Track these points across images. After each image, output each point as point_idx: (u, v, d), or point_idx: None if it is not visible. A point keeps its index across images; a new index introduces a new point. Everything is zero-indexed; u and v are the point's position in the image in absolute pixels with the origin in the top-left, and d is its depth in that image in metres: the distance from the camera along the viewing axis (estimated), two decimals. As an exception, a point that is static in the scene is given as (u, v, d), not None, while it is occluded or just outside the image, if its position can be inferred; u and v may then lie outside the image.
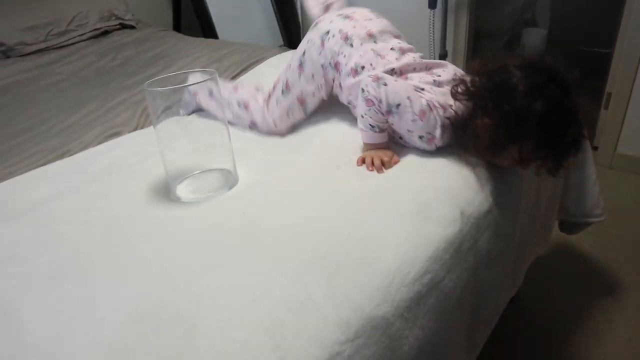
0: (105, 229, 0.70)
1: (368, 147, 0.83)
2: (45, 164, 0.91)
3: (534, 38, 2.89)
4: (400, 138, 0.84)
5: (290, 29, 2.48)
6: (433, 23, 1.99)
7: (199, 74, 0.76)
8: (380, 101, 0.78)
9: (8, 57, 1.51)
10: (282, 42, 2.48)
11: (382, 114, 0.79)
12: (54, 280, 0.60)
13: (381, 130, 0.81)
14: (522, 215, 0.90)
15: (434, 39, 2.06)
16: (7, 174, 0.88)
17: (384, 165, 0.78)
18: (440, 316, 0.65)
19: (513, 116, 0.71)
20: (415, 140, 0.80)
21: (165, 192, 0.78)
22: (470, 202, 0.75)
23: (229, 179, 0.78)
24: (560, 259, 1.39)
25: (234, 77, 1.24)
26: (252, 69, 1.26)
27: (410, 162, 0.81)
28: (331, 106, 0.98)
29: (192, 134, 0.76)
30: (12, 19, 1.53)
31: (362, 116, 0.81)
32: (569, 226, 1.22)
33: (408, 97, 0.76)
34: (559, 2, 2.66)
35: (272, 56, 1.31)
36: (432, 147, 0.80)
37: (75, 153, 0.94)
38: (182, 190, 0.77)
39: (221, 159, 0.79)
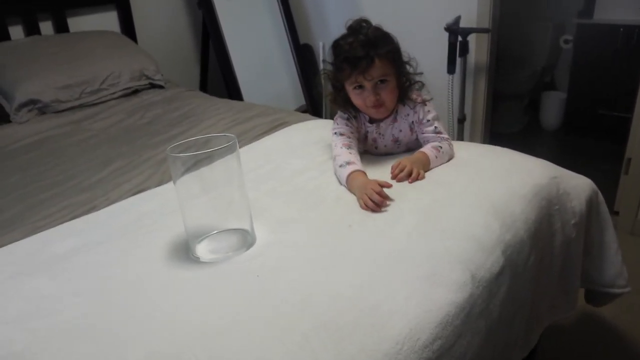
0: (125, 286, 0.72)
1: (352, 185, 0.95)
2: (72, 218, 0.95)
3: (553, 101, 2.93)
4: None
5: (313, 91, 2.56)
6: (452, 88, 2.05)
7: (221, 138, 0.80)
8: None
9: (43, 113, 1.60)
10: (303, 102, 2.56)
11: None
12: (73, 337, 0.62)
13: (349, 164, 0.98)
14: (536, 276, 0.90)
15: (452, 104, 2.10)
16: (36, 228, 0.92)
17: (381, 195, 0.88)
18: (450, 383, 0.65)
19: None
20: None
21: (184, 250, 0.80)
22: (481, 266, 0.76)
23: (247, 239, 0.81)
24: (580, 326, 1.36)
25: (255, 138, 1.29)
26: (274, 132, 1.31)
27: (421, 221, 0.82)
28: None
29: (211, 190, 0.78)
30: (49, 78, 1.62)
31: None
32: (594, 297, 1.19)
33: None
34: (579, 66, 2.71)
35: (295, 121, 1.37)
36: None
37: (101, 208, 0.98)
38: (202, 249, 0.79)
39: (240, 218, 0.81)
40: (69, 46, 1.74)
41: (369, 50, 0.98)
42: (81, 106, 1.64)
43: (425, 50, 2.18)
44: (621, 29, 2.50)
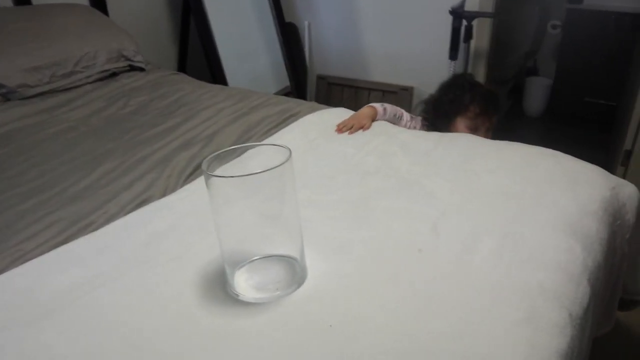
0: (157, 344, 0.57)
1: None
2: (66, 239, 0.78)
3: (538, 87, 2.88)
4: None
5: (297, 70, 2.40)
6: (453, 74, 1.94)
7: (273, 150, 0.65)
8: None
9: (8, 100, 1.38)
10: (287, 84, 2.40)
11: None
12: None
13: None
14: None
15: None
16: (23, 253, 0.75)
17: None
18: None
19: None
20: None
21: (219, 284, 0.66)
22: (574, 301, 0.65)
23: (297, 270, 0.67)
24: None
25: (266, 134, 1.14)
26: (286, 125, 1.16)
27: (501, 246, 0.70)
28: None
29: (255, 205, 0.63)
30: (14, 58, 1.40)
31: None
32: (623, 303, 1.14)
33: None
34: (567, 53, 2.66)
35: (307, 111, 1.22)
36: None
37: (100, 226, 0.82)
38: (242, 285, 0.65)
39: (287, 242, 0.67)
40: (35, 22, 1.51)
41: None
42: (52, 92, 1.42)
43: (426, 35, 2.07)
44: (613, 16, 2.45)
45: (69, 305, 0.63)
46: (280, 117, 1.19)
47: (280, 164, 0.60)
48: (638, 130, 1.83)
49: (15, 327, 0.60)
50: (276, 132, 1.12)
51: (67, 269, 0.71)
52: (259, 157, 0.66)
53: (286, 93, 2.34)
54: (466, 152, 0.98)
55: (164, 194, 0.92)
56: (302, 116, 1.18)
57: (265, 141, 1.09)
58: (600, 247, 0.78)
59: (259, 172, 0.59)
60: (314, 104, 1.28)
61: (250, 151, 0.68)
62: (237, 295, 0.64)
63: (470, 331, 0.57)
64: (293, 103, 1.29)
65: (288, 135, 1.09)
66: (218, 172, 0.62)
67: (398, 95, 2.25)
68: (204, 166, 0.60)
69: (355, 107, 1.25)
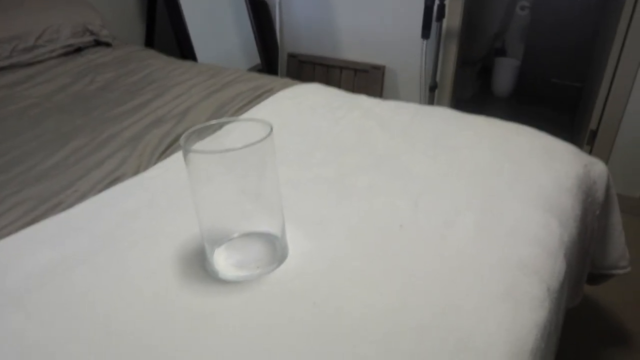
0: (132, 327, 0.55)
1: None
2: (34, 219, 0.75)
3: (506, 68, 2.92)
4: None
5: (268, 48, 2.36)
6: (425, 54, 1.94)
7: (254, 124, 0.63)
8: None
9: (-36, 75, 1.31)
10: (258, 61, 2.36)
11: None
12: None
13: None
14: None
15: (424, 71, 2.00)
16: (-13, 234, 0.71)
17: None
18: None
19: None
20: None
21: (197, 263, 0.64)
22: (552, 275, 0.67)
23: (277, 248, 0.66)
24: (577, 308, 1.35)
25: (240, 110, 1.11)
26: (260, 102, 1.13)
27: (481, 221, 0.71)
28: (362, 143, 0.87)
29: (234, 180, 0.61)
30: (-30, 31, 1.33)
31: None
32: (592, 277, 1.17)
33: None
34: (534, 34, 2.70)
35: (280, 88, 1.19)
36: None
37: (70, 205, 0.78)
38: (222, 263, 0.63)
39: (268, 219, 0.65)
40: (-8, -8, 1.43)
41: None
42: (13, 67, 1.36)
43: (399, 13, 2.06)
44: (579, -2, 2.49)
45: (39, 288, 0.60)
46: (253, 93, 1.16)
47: (262, 139, 0.58)
48: (603, 110, 1.87)
49: (-17, 312, 0.57)
50: (250, 108, 1.10)
51: (37, 250, 0.68)
52: (237, 132, 0.64)
53: (257, 71, 2.30)
54: (444, 126, 0.98)
55: (136, 172, 0.88)
56: (275, 92, 1.16)
57: (241, 117, 1.06)
58: (575, 223, 0.79)
59: (240, 148, 0.57)
60: (288, 80, 1.26)
61: (228, 126, 0.66)
62: (217, 274, 0.63)
63: (454, 306, 0.57)
64: (266, 79, 1.26)
65: (262, 111, 1.07)
66: (196, 147, 0.60)
67: (369, 74, 2.24)
68: (182, 141, 0.58)
69: (326, 82, 1.23)
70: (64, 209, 0.77)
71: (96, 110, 1.14)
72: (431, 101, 2.02)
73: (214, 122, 0.63)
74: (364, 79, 2.25)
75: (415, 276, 0.61)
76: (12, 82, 1.30)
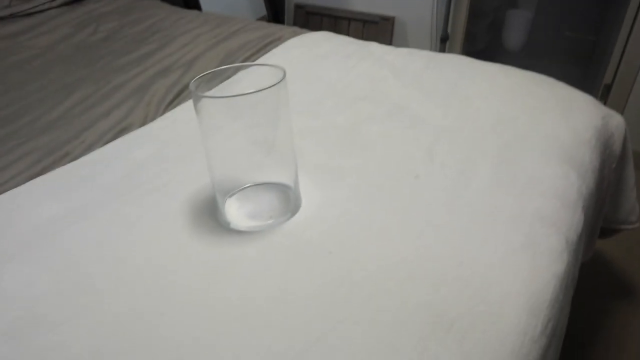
0: (146, 276, 0.54)
1: None
2: (42, 170, 0.73)
3: (519, 20, 2.83)
4: None
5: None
6: (437, 4, 1.87)
7: (266, 69, 0.61)
8: None
9: (-36, 24, 1.27)
10: (265, 13, 2.30)
11: None
12: None
13: None
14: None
15: (436, 22, 1.94)
16: (-5, 184, 0.70)
17: None
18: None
19: None
20: None
21: (209, 214, 0.63)
22: (570, 227, 0.65)
23: (290, 198, 0.64)
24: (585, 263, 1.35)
25: (247, 59, 1.08)
26: (269, 51, 1.10)
27: (498, 172, 0.69)
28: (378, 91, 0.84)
29: (245, 128, 0.58)
30: (-33, -22, 1.28)
31: None
32: (602, 231, 1.16)
33: None
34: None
35: (289, 37, 1.15)
36: None
37: (78, 156, 0.77)
38: (233, 213, 0.62)
39: (280, 168, 0.63)
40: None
41: None
42: (13, 17, 1.32)
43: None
44: (599, -56, 2.38)
45: (48, 239, 0.59)
46: (262, 42, 1.13)
47: (276, 83, 0.56)
48: (619, 64, 1.82)
49: (-7, 263, 0.56)
50: (258, 57, 1.06)
51: (45, 201, 0.67)
52: (249, 79, 0.61)
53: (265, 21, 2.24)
54: (458, 75, 0.95)
55: (144, 122, 0.87)
56: (284, 41, 1.12)
57: (252, 63, 1.03)
58: (593, 175, 0.78)
59: (252, 92, 0.55)
60: (296, 29, 1.21)
61: (240, 73, 0.63)
62: (229, 224, 0.62)
63: (470, 257, 0.56)
64: (275, 28, 1.22)
65: (271, 60, 1.04)
66: (207, 94, 0.58)
67: (379, 25, 2.18)
68: (192, 87, 0.56)
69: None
70: (71, 160, 0.76)
71: (100, 61, 1.11)
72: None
73: (224, 67, 0.60)
74: (373, 31, 2.18)
75: (431, 227, 0.60)
76: (13, 32, 1.26)
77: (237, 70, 0.63)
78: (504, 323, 0.50)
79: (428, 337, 0.47)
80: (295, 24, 2.46)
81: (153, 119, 0.87)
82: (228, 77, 0.61)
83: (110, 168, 0.73)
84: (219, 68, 0.60)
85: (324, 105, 0.86)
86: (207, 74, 0.59)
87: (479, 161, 0.71)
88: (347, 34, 2.27)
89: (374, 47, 1.09)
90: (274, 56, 1.05)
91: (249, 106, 0.57)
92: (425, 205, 0.63)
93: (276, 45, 1.11)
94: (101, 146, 0.79)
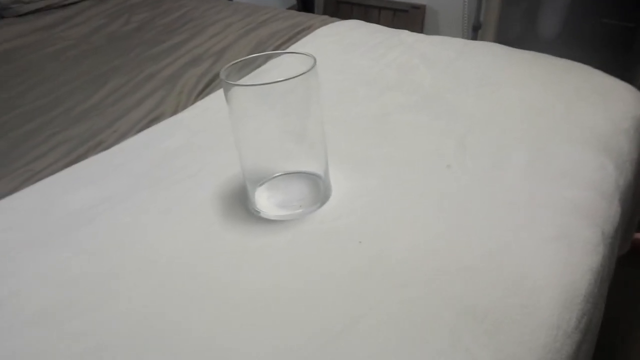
0: (171, 265, 0.55)
1: None
2: (76, 159, 0.75)
3: (554, 7, 2.74)
4: None
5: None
6: (469, -10, 1.84)
7: (296, 57, 0.61)
8: None
9: (2, 17, 1.30)
10: (294, 2, 2.29)
11: None
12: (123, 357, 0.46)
13: None
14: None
15: (467, 9, 1.90)
16: (31, 173, 0.72)
17: None
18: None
19: None
20: None
21: (239, 203, 0.63)
22: (607, 219, 0.63)
23: (320, 188, 0.64)
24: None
25: (277, 48, 1.08)
26: (299, 39, 1.10)
27: (532, 161, 0.67)
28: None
29: (277, 117, 0.58)
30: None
31: None
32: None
33: None
34: (586, -31, 2.51)
35: (320, 25, 1.15)
36: None
37: (111, 145, 0.78)
38: (263, 202, 0.62)
39: (311, 158, 0.63)
40: None
41: None
42: (48, 8, 1.35)
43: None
44: None
45: (84, 225, 0.61)
46: (292, 31, 1.12)
47: (306, 71, 0.56)
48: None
49: (30, 248, 0.58)
50: (289, 46, 1.06)
51: (80, 188, 0.68)
52: (279, 69, 0.62)
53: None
54: (491, 63, 0.93)
55: (175, 111, 0.88)
56: (314, 29, 1.12)
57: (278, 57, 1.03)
58: (631, 167, 0.75)
59: (282, 80, 0.55)
60: (327, 17, 1.21)
61: (270, 62, 0.63)
62: (259, 212, 0.62)
63: (503, 247, 0.55)
64: (304, 17, 1.21)
65: (301, 49, 1.03)
66: (238, 82, 0.58)
67: (409, 14, 2.15)
68: (222, 75, 0.56)
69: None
70: (104, 149, 0.77)
71: (133, 51, 1.13)
72: (474, 42, 1.92)
73: (254, 55, 0.61)
74: (403, 20, 2.16)
75: (463, 217, 0.59)
76: (49, 24, 1.29)
77: (267, 58, 0.63)
78: (536, 316, 0.49)
79: (460, 329, 0.46)
80: (325, 13, 2.45)
81: (184, 108, 0.88)
82: (259, 66, 0.62)
83: (142, 156, 0.74)
84: (249, 56, 0.60)
85: (354, 94, 0.85)
86: (237, 62, 0.59)
87: (512, 151, 0.69)
88: (378, 22, 2.24)
89: (405, 35, 1.07)
90: (304, 45, 1.05)
91: (279, 94, 0.57)
92: (456, 195, 0.62)
93: (306, 34, 1.11)
94: (133, 135, 0.81)
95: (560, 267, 0.54)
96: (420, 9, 2.09)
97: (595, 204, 0.63)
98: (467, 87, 0.85)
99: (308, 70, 0.56)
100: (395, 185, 0.64)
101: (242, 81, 0.59)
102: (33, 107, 0.92)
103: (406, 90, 0.85)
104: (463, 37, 1.98)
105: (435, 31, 2.10)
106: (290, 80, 0.55)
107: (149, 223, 0.61)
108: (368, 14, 2.27)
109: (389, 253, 0.54)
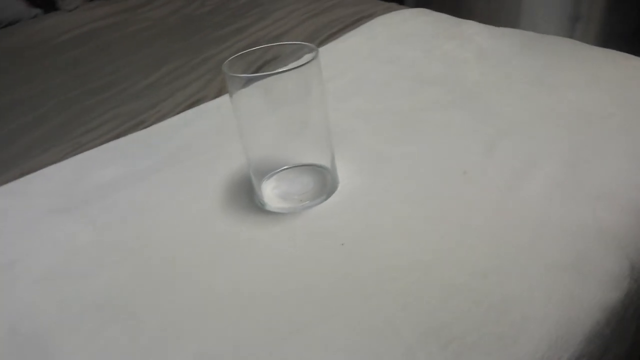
0: (170, 242, 0.57)
1: None
2: (117, 135, 0.80)
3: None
4: None
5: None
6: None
7: (296, 48, 0.60)
8: None
9: (92, -1, 1.42)
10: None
11: None
12: (105, 316, 0.48)
13: None
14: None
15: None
16: (77, 146, 0.78)
17: None
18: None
19: None
20: None
21: (246, 192, 0.64)
22: (640, 250, 0.55)
23: (327, 181, 0.63)
24: None
25: (332, 36, 1.06)
26: (357, 27, 1.07)
27: (564, 175, 0.60)
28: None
29: (279, 108, 0.59)
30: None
31: None
32: None
33: None
34: None
35: (382, 12, 1.11)
36: None
37: (150, 124, 0.82)
38: (269, 194, 0.62)
39: (317, 150, 0.62)
40: None
41: None
42: (137, -11, 1.44)
43: None
44: None
45: (101, 198, 0.65)
46: (351, 19, 1.10)
47: (305, 63, 0.55)
48: None
49: (50, 215, 0.63)
50: (343, 34, 1.04)
51: (110, 164, 0.73)
52: (290, 59, 0.61)
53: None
54: (554, 61, 0.84)
55: (217, 95, 0.90)
56: (374, 17, 1.08)
57: (329, 45, 1.01)
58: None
59: (280, 71, 0.54)
60: (392, 5, 1.16)
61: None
62: (264, 205, 0.62)
63: (499, 268, 0.50)
64: (369, 4, 1.18)
65: (353, 38, 1.01)
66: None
67: (505, 1, 2.00)
68: (224, 67, 0.57)
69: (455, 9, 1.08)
70: (143, 128, 0.82)
71: (198, 34, 1.17)
72: (570, 36, 1.75)
73: (257, 48, 0.61)
74: (499, 4, 2.01)
75: (465, 230, 0.55)
76: (134, 5, 1.38)
77: (266, 51, 0.62)
78: (516, 349, 0.44)
79: (417, 350, 0.43)
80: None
81: (225, 92, 0.90)
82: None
83: (172, 138, 0.78)
84: (252, 49, 0.60)
85: (391, 87, 0.82)
86: (242, 53, 0.59)
87: (543, 161, 0.62)
88: (470, 10, 2.12)
89: (467, 26, 1.00)
90: (357, 34, 1.02)
91: (281, 86, 0.56)
92: (463, 205, 0.57)
93: (364, 22, 1.07)
94: (173, 116, 0.84)
95: (560, 299, 0.48)
96: (518, -4, 1.93)
97: (629, 232, 0.55)
98: (515, 86, 0.77)
99: (307, 62, 0.55)
100: (403, 187, 0.61)
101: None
102: (99, 84, 1.00)
103: (447, 86, 0.80)
104: (557, 28, 1.80)
105: (531, 22, 1.93)
106: (291, 71, 0.55)
107: (157, 202, 0.64)
108: (462, 1, 2.15)
109: (369, 259, 0.51)
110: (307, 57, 0.56)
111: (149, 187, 0.67)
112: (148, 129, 0.81)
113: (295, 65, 0.55)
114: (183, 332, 0.46)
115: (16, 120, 0.88)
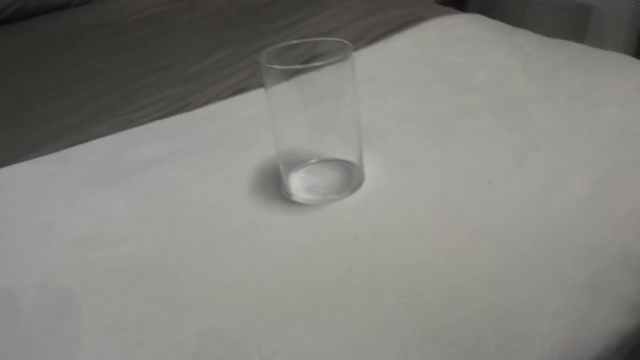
0: (197, 219, 0.60)
1: None
2: (164, 115, 0.85)
3: None
4: None
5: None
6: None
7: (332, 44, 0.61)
8: None
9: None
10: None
11: None
12: (129, 282, 0.52)
13: None
14: None
15: (635, 9, 1.64)
16: (125, 122, 0.83)
17: None
18: None
19: None
20: None
21: (275, 181, 0.66)
22: (669, 276, 0.53)
23: (353, 178, 0.64)
24: None
25: (379, 37, 1.06)
26: (408, 28, 1.07)
27: (593, 195, 0.59)
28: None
29: (312, 104, 0.61)
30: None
31: None
32: None
33: None
34: None
35: (433, 16, 1.10)
36: None
37: (196, 107, 0.86)
38: (296, 185, 0.64)
39: (346, 146, 0.64)
40: None
41: None
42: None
43: None
44: None
45: (137, 173, 0.69)
46: (401, 20, 1.10)
47: (339, 59, 0.56)
48: None
49: (88, 186, 0.67)
50: (391, 36, 1.04)
51: (153, 142, 0.77)
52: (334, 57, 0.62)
53: (442, 3, 2.14)
54: (603, 76, 0.81)
55: (261, 85, 0.93)
56: (424, 21, 1.08)
57: (378, 44, 1.02)
58: None
59: (315, 65, 0.56)
60: (444, 9, 1.15)
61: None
62: (289, 195, 0.64)
63: (507, 281, 0.50)
64: (422, 7, 1.17)
65: (401, 40, 1.01)
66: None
67: (571, 15, 1.92)
68: (261, 58, 0.59)
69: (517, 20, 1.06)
70: (188, 110, 0.86)
71: (253, 25, 1.21)
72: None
73: (296, 41, 0.62)
74: (564, 22, 1.94)
75: (480, 237, 0.54)
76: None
77: (315, 45, 0.64)
78: (515, 360, 0.44)
79: (411, 349, 0.44)
80: (482, 6, 2.31)
81: (270, 83, 0.93)
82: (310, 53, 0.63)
83: (214, 122, 0.81)
84: (291, 42, 0.62)
85: (431, 90, 0.82)
86: (282, 46, 0.61)
87: (574, 178, 0.61)
88: (532, 21, 2.05)
89: (519, 35, 0.98)
90: (405, 37, 1.02)
91: (314, 81, 0.58)
92: (483, 213, 0.57)
93: (416, 24, 1.07)
94: (217, 101, 0.88)
95: (569, 317, 0.47)
96: (585, 9, 1.86)
97: (654, 255, 0.53)
98: (557, 99, 0.75)
99: (342, 59, 0.56)
100: (425, 190, 0.62)
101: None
102: (156, 65, 1.05)
103: (488, 94, 0.79)
104: (622, 44, 1.72)
105: (598, 39, 1.85)
106: (325, 67, 0.56)
107: (190, 181, 0.67)
108: (526, 11, 2.09)
109: (378, 257, 0.52)
110: (344, 55, 0.57)
111: (185, 166, 0.70)
112: (193, 112, 0.85)
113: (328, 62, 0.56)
114: (195, 306, 0.49)
115: (76, 94, 0.95)
